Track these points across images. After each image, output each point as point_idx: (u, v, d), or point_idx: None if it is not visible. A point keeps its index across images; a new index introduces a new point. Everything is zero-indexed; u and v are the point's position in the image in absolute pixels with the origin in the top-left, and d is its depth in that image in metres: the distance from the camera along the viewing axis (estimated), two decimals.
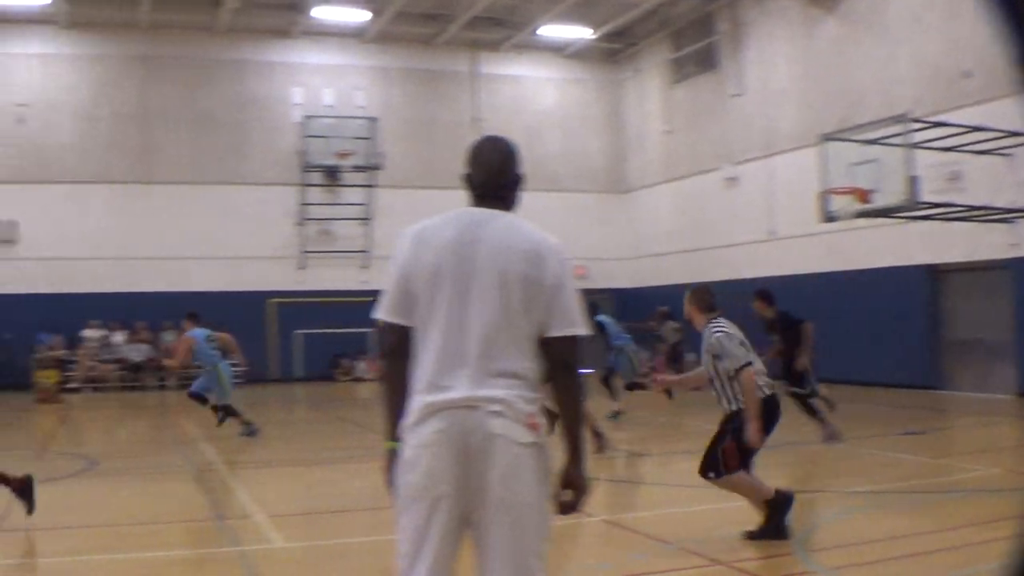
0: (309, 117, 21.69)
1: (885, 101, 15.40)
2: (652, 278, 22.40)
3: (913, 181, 12.39)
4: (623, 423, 12.29)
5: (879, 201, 12.71)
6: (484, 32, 22.19)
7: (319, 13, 20.98)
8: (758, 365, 5.62)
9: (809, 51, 18.14)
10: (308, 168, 21.81)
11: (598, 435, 9.20)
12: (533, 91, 23.26)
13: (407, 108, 22.46)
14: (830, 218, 13.61)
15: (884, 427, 11.48)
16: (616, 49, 23.15)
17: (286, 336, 21.71)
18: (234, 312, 20.65)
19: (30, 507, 6.24)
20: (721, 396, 5.61)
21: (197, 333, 11.52)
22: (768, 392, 5.58)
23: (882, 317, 16.07)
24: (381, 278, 2.89)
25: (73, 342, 20.60)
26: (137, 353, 21.02)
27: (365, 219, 22.16)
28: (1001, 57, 1.49)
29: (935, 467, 8.91)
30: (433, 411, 2.56)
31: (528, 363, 2.62)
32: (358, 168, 21.96)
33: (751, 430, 5.37)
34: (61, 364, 19.85)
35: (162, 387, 20.41)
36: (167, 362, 15.47)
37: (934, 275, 15.50)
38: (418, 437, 2.56)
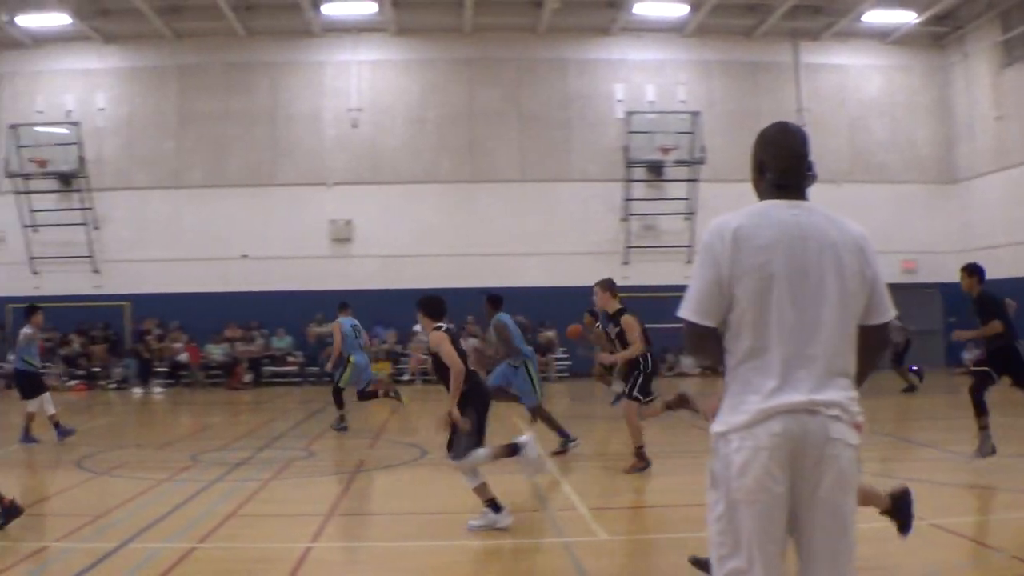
0: (631, 113, 23.33)
1: None
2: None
3: None
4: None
5: None
6: (804, 21, 23.66)
7: (639, 9, 22.92)
8: None
9: None
10: (631, 164, 23.33)
11: None
12: (857, 80, 24.44)
13: (728, 101, 23.93)
14: None
15: None
16: (942, 33, 24.22)
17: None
18: (559, 308, 22.03)
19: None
20: None
21: (345, 322, 12.85)
22: None
23: None
24: None
25: (405, 336, 22.26)
26: (465, 347, 22.48)
27: (688, 214, 23.39)
28: None
29: None
30: (771, 414, 2.71)
31: (853, 358, 2.81)
32: (681, 163, 23.34)
33: None
34: (394, 357, 21.61)
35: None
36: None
37: None
38: (754, 439, 2.71)
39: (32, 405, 11.80)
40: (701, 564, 4.99)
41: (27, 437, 11.58)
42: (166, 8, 22.55)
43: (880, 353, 2.92)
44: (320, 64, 23.41)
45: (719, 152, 22.99)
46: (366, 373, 13.11)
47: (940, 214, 24.26)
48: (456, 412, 6.55)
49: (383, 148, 23.19)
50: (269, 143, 23.23)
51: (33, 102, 23.27)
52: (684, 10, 22.96)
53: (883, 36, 24.22)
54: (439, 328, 7.11)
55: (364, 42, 23.41)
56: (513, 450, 6.82)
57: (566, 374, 22.64)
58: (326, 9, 22.50)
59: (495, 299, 10.93)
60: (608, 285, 9.55)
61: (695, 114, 23.30)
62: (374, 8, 22.49)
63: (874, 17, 23.32)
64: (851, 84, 24.34)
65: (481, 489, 6.76)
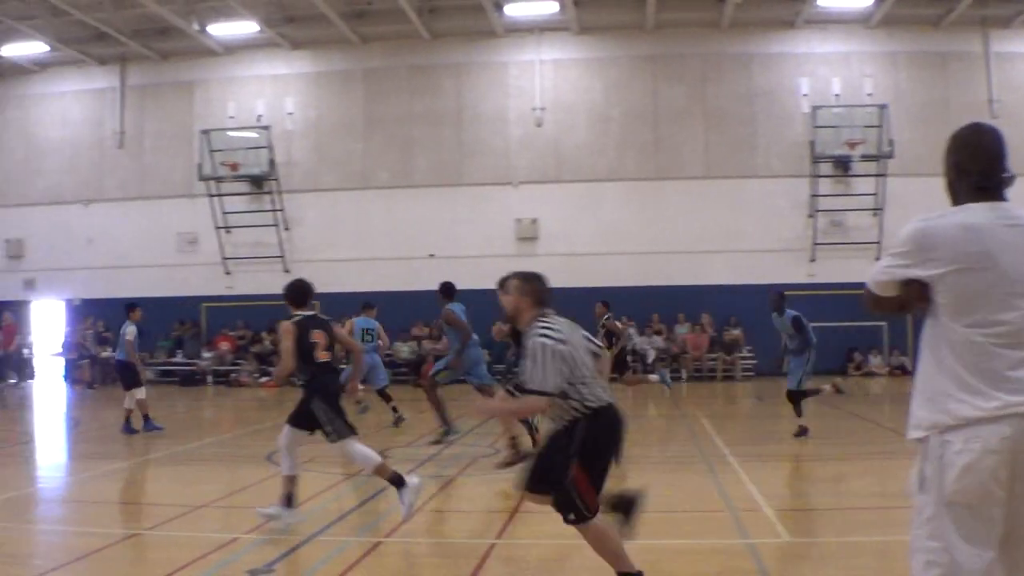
0: (817, 107, 24.94)
1: None
2: None
3: None
4: None
5: None
6: (995, 8, 24.98)
7: (824, 1, 24.57)
8: None
9: None
10: (817, 159, 24.93)
11: None
12: None
13: (917, 93, 25.42)
14: None
15: None
16: None
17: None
18: (745, 306, 23.88)
19: None
20: None
21: (357, 322, 14.33)
22: None
23: None
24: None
25: (592, 334, 24.25)
26: (650, 345, 24.34)
27: (876, 209, 24.90)
28: None
29: None
30: (998, 416, 2.86)
31: None
32: (868, 157, 24.85)
33: None
34: None
35: (675, 378, 23.36)
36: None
37: None
38: (982, 441, 2.87)
39: (139, 394, 13.77)
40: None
41: (141, 425, 13.68)
42: (351, 14, 25.03)
43: None
44: (504, 64, 25.63)
45: (908, 146, 24.38)
46: (372, 374, 14.41)
47: None
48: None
49: (567, 146, 25.27)
50: (455, 143, 25.53)
51: (225, 108, 26.05)
52: (869, 0, 24.54)
53: None
54: (293, 318, 7.47)
55: (547, 41, 25.54)
56: (398, 481, 7.09)
57: (752, 373, 24.30)
58: (509, 10, 24.68)
59: (447, 288, 12.12)
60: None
61: (882, 107, 24.68)
62: (556, 8, 24.61)
63: None
64: None
65: (288, 481, 7.24)
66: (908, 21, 25.25)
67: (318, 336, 7.45)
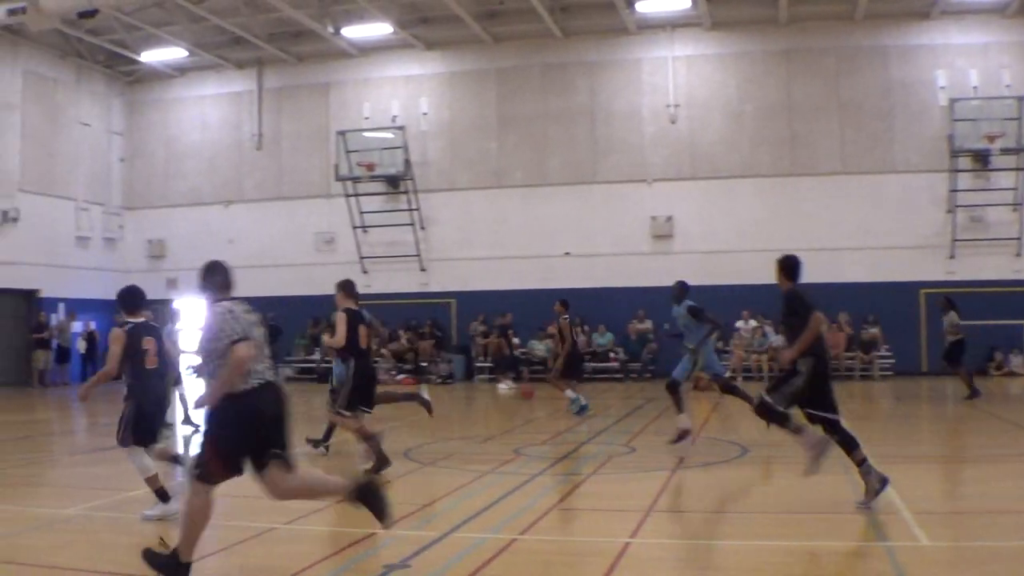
0: (955, 100, 26.99)
1: None
2: None
3: None
4: None
5: None
6: None
7: None
8: None
9: None
10: (956, 153, 26.94)
11: None
12: None
13: None
14: None
15: None
16: None
17: (937, 327, 26.65)
18: (883, 303, 26.10)
19: None
20: None
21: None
22: None
23: None
24: None
25: (727, 333, 26.69)
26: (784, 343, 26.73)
27: (1017, 204, 26.87)
28: None
29: None
30: None
31: None
32: (1008, 151, 26.73)
33: None
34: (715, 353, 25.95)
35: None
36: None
37: None
38: None
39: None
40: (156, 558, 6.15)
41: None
42: (484, 14, 27.78)
43: None
44: (637, 61, 28.19)
45: None
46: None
47: None
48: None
49: (701, 143, 27.73)
50: (589, 141, 28.21)
51: (360, 109, 29.12)
52: None
53: None
54: (124, 325, 8.26)
55: (679, 38, 28.00)
56: (163, 496, 8.22)
57: (890, 372, 26.42)
58: (640, 7, 27.11)
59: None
60: (344, 287, 11.17)
61: (1021, 99, 26.48)
62: (688, 3, 27.01)
63: None
64: None
65: (151, 480, 8.14)
66: None
67: (148, 343, 8.30)
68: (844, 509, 8.42)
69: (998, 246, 26.59)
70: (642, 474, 10.86)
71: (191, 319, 17.35)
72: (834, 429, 8.59)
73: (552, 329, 18.10)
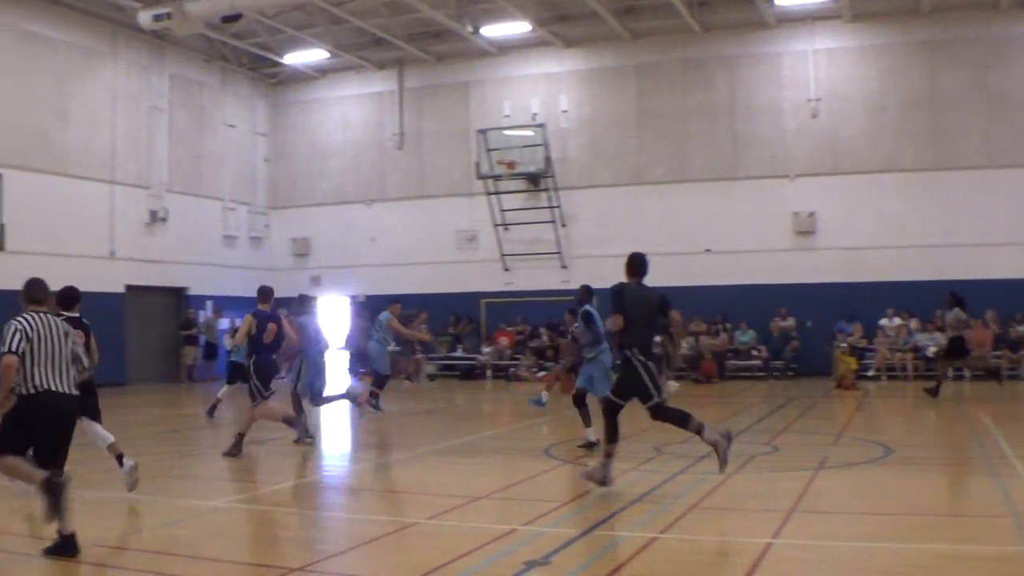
0: None
1: None
2: None
3: None
4: None
5: None
6: None
7: None
8: None
9: None
10: None
11: None
12: None
13: None
14: None
15: None
16: None
17: None
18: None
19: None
20: None
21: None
22: None
23: None
24: None
25: (871, 330, 29.01)
26: (931, 342, 28.77)
27: None
28: None
29: None
30: None
31: None
32: None
33: None
34: (859, 352, 27.66)
35: (958, 377, 26.80)
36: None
37: None
38: None
39: (225, 392, 18.58)
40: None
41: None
42: (622, 10, 30.47)
43: None
44: (777, 55, 30.59)
45: None
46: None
47: None
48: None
49: (843, 137, 29.99)
50: (729, 137, 30.80)
51: (500, 107, 32.22)
52: None
53: None
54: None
55: (819, 30, 30.26)
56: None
57: None
58: (779, 0, 29.58)
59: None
60: (258, 292, 14.23)
61: None
62: None
63: None
64: None
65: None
66: None
67: (80, 337, 8.99)
68: (992, 512, 8.85)
69: None
70: (784, 474, 11.52)
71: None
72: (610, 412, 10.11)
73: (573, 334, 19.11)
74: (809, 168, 30.13)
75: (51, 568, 7.36)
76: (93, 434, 10.49)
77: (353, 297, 33.93)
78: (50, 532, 7.67)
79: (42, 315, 8.01)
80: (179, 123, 32.46)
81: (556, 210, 31.61)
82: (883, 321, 28.94)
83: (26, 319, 7.84)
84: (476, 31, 30.70)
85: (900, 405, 21.92)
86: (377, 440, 16.12)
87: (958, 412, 18.88)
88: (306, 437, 14.52)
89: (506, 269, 32.07)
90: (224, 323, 32.60)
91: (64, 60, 28.13)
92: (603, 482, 10.19)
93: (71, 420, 8.09)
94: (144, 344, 30.96)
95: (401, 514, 9.54)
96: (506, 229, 32.10)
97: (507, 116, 32.13)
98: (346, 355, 32.91)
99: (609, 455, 10.23)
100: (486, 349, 32.00)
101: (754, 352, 29.92)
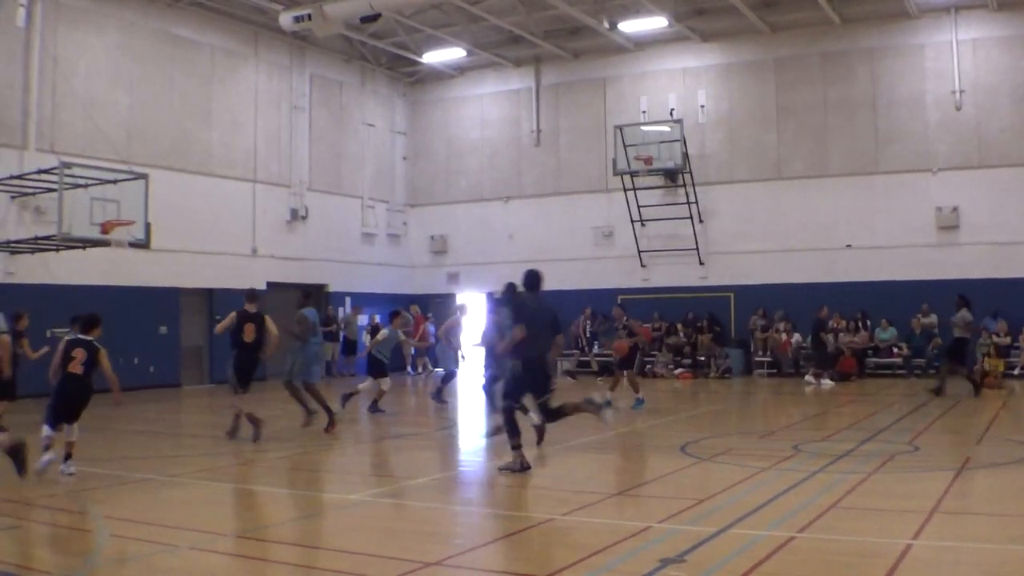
0: None
1: None
2: None
3: None
4: None
5: None
6: None
7: None
8: None
9: None
10: None
11: None
12: None
13: None
14: None
15: None
16: None
17: None
18: None
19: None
20: None
21: (308, 312, 18.65)
22: None
23: None
24: None
25: (1016, 328, 30.77)
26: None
27: None
28: None
29: None
30: None
31: None
32: None
33: None
34: (1004, 350, 29.39)
35: None
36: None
37: None
38: None
39: (384, 384, 20.40)
40: None
41: (374, 407, 20.47)
42: (760, 3, 32.99)
43: None
44: (919, 47, 32.73)
45: None
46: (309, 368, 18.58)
47: None
48: None
49: (989, 130, 31.86)
50: (870, 131, 33.10)
51: (637, 103, 35.21)
52: None
53: None
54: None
55: (963, 20, 32.24)
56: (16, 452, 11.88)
57: None
58: None
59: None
60: (248, 294, 17.04)
61: None
62: None
63: None
64: None
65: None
66: None
67: (80, 354, 12.33)
68: None
69: None
70: (926, 474, 11.79)
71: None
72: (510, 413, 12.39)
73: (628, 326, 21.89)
74: (952, 162, 32.07)
75: (194, 558, 8.24)
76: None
77: (490, 294, 37.23)
78: None
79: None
80: (319, 122, 36.13)
81: (693, 206, 34.31)
82: None
83: None
84: (613, 27, 33.51)
85: None
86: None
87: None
88: (309, 417, 17.53)
89: (643, 265, 34.99)
90: (363, 319, 35.94)
91: (207, 62, 31.85)
92: (523, 467, 12.24)
93: None
94: (284, 340, 34.26)
95: (537, 510, 10.16)
96: (643, 225, 34.94)
97: (644, 112, 35.07)
98: (481, 351, 36.14)
99: (517, 447, 12.35)
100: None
101: (895, 349, 31.88)
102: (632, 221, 34.94)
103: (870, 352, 32.03)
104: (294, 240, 34.84)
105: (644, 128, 34.41)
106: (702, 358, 33.53)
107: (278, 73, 34.41)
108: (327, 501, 11.10)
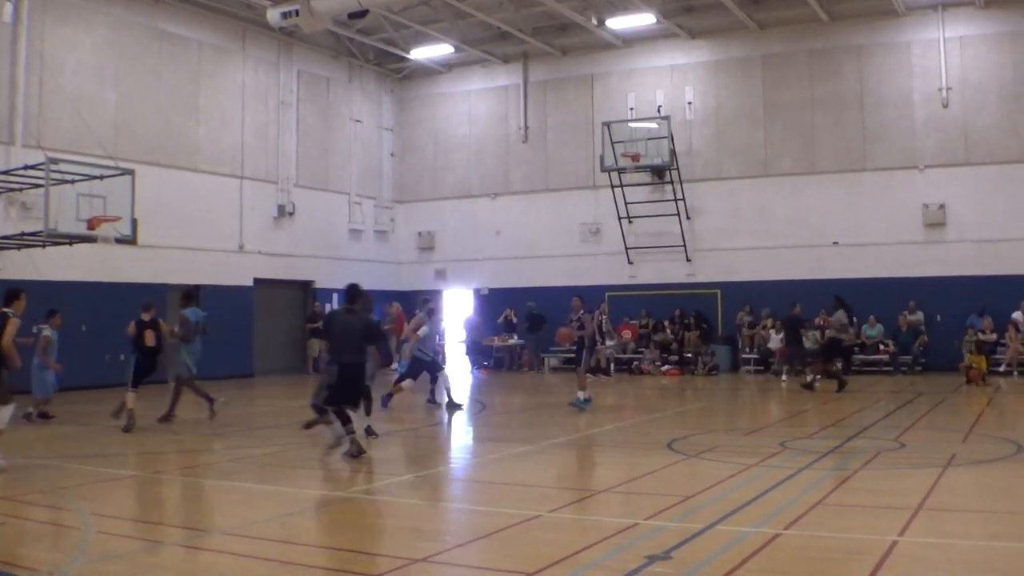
0: None
1: None
2: None
3: None
4: None
5: None
6: None
7: None
8: None
9: None
10: None
11: None
12: None
13: None
14: None
15: None
16: None
17: None
18: None
19: None
20: None
21: (189, 313, 19.46)
22: None
23: None
24: None
25: (1002, 325, 30.95)
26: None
27: None
28: None
29: None
30: None
31: None
32: None
33: None
34: (989, 347, 29.25)
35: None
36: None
37: None
38: None
39: (407, 384, 20.64)
40: None
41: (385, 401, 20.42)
42: (748, 0, 33.20)
43: None
44: (907, 44, 32.82)
45: None
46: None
47: None
48: None
49: (976, 127, 31.94)
50: (857, 128, 33.20)
51: (625, 99, 35.30)
52: None
53: None
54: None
55: (950, 18, 32.31)
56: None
57: None
58: None
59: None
60: (144, 304, 18.61)
61: None
62: None
63: None
64: None
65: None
66: None
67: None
68: None
69: None
70: (911, 470, 11.89)
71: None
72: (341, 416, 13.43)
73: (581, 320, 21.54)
74: (939, 159, 32.21)
75: (181, 556, 8.35)
76: None
77: (476, 290, 37.36)
78: None
79: None
80: (306, 118, 36.15)
81: (681, 203, 34.42)
82: (1016, 315, 30.48)
83: None
84: (601, 24, 33.64)
85: None
86: (499, 433, 17.67)
87: None
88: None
89: (630, 262, 35.08)
90: None
91: (195, 58, 31.88)
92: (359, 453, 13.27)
93: None
94: (271, 336, 34.51)
95: (523, 507, 9.99)
96: (630, 222, 35.03)
97: (632, 108, 35.15)
98: (463, 347, 36.29)
99: (351, 432, 13.42)
100: (610, 342, 34.84)
101: (881, 346, 31.95)
102: (619, 218, 35.04)
103: (857, 349, 32.00)
104: (281, 236, 34.89)
105: (632, 125, 34.55)
106: (689, 355, 33.65)
107: (265, 69, 34.42)
108: (313, 498, 11.12)
